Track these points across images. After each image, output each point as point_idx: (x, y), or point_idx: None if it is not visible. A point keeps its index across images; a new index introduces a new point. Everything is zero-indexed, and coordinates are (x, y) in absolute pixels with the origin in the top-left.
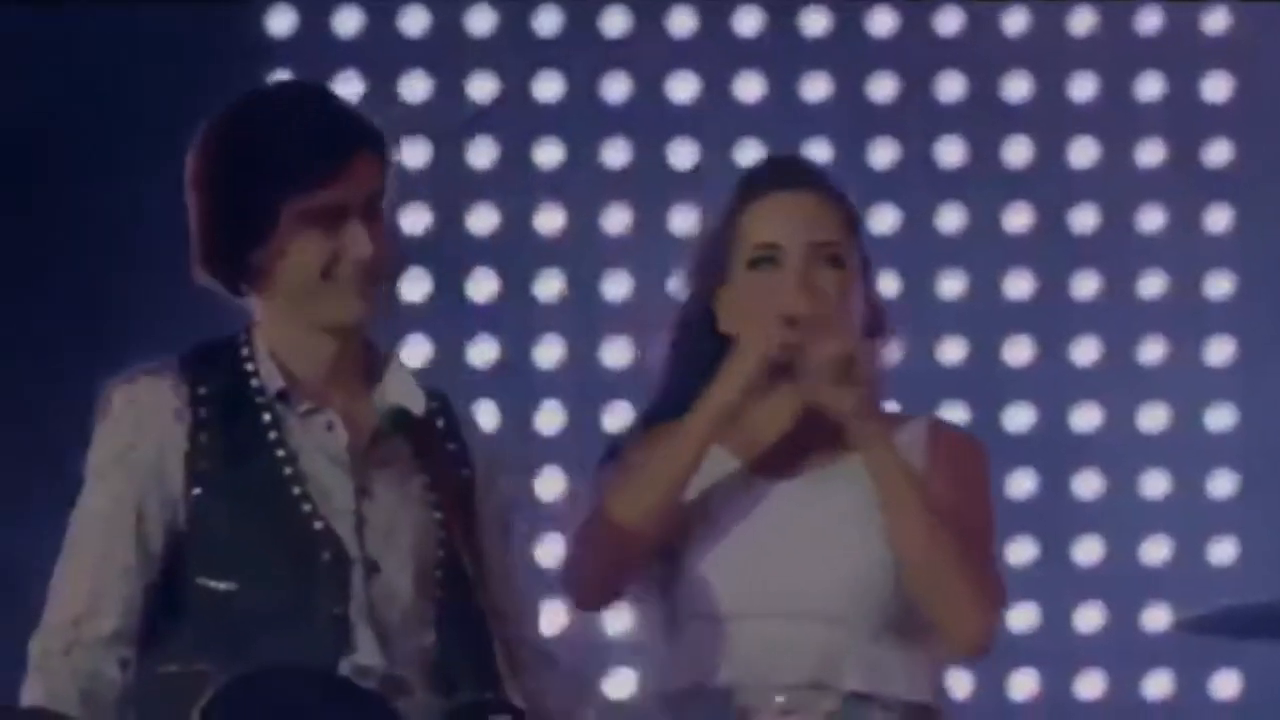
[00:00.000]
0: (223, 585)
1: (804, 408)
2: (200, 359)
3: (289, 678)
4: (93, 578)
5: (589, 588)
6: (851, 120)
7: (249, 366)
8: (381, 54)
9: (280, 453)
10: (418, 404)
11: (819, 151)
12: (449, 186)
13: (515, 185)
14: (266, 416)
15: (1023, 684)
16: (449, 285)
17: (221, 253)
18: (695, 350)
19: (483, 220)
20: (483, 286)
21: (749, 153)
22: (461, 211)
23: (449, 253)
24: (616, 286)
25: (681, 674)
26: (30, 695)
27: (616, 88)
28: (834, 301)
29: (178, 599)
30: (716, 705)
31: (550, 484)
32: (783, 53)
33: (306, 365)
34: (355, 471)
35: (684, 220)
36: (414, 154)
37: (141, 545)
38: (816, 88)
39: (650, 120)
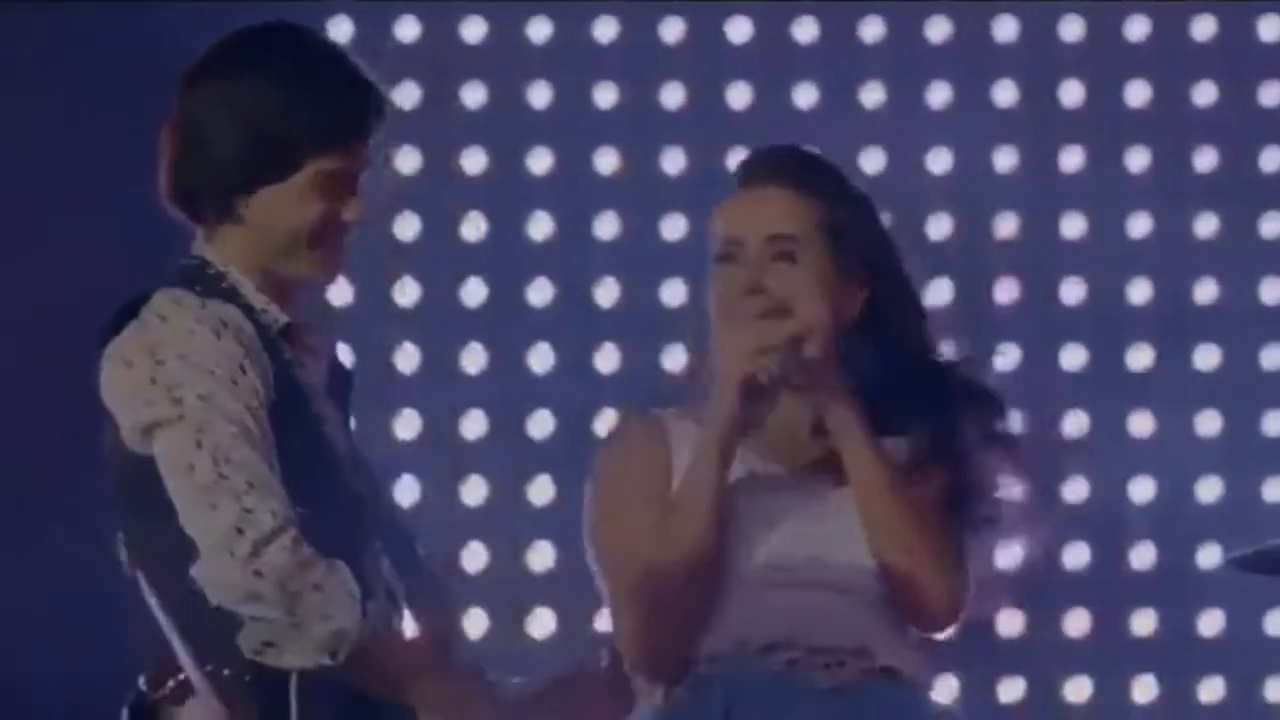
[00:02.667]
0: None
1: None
2: (208, 290)
3: None
4: (264, 474)
5: (675, 651)
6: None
7: (242, 301)
8: (441, 61)
9: (305, 390)
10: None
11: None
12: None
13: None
14: (285, 353)
15: (1076, 621)
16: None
17: (227, 181)
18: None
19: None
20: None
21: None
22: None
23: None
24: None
25: (726, 631)
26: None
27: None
28: (784, 298)
29: None
30: (763, 660)
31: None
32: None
33: (277, 297)
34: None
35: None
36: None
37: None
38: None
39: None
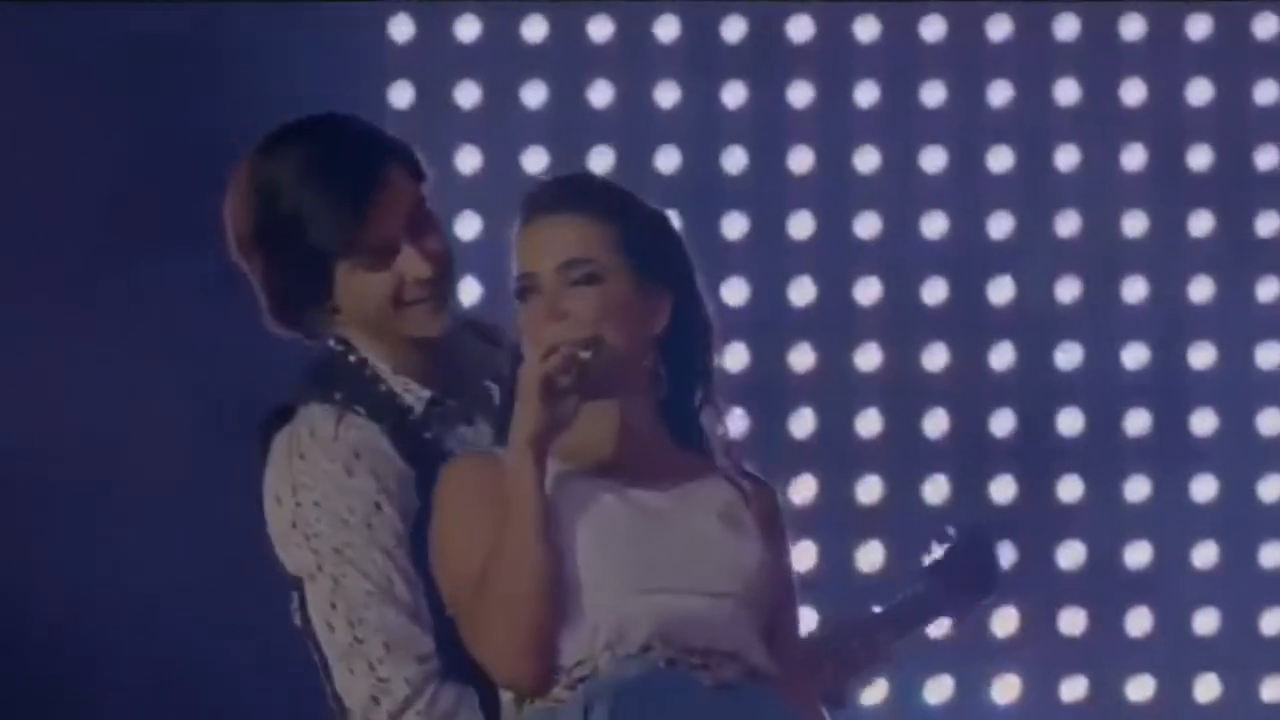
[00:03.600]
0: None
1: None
2: (349, 391)
3: None
4: (400, 631)
5: (534, 665)
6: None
7: (383, 388)
8: (502, 61)
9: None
10: None
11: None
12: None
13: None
14: (429, 435)
15: (1138, 621)
16: None
17: (292, 314)
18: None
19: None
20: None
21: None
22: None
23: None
24: None
25: (595, 638)
26: None
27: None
28: (588, 320)
29: None
30: (640, 661)
31: None
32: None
33: (412, 370)
34: None
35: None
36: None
37: (416, 577)
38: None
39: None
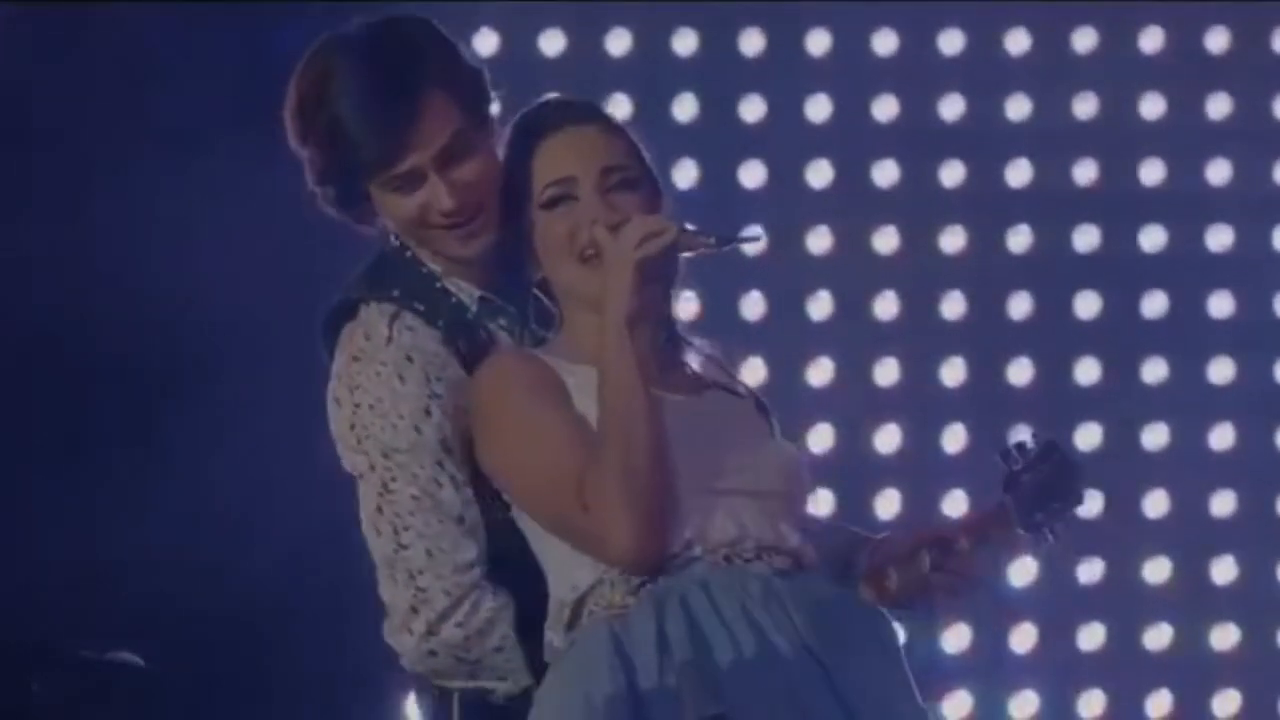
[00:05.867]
0: (506, 514)
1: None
2: (406, 289)
3: None
4: (443, 539)
5: (660, 537)
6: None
7: (439, 285)
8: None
9: None
10: None
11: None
12: None
13: None
14: (484, 333)
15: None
16: None
17: (333, 203)
18: (523, 298)
19: None
20: None
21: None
22: None
23: None
24: None
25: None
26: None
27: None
28: (660, 219)
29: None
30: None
31: None
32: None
33: (463, 273)
34: None
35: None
36: None
37: (466, 480)
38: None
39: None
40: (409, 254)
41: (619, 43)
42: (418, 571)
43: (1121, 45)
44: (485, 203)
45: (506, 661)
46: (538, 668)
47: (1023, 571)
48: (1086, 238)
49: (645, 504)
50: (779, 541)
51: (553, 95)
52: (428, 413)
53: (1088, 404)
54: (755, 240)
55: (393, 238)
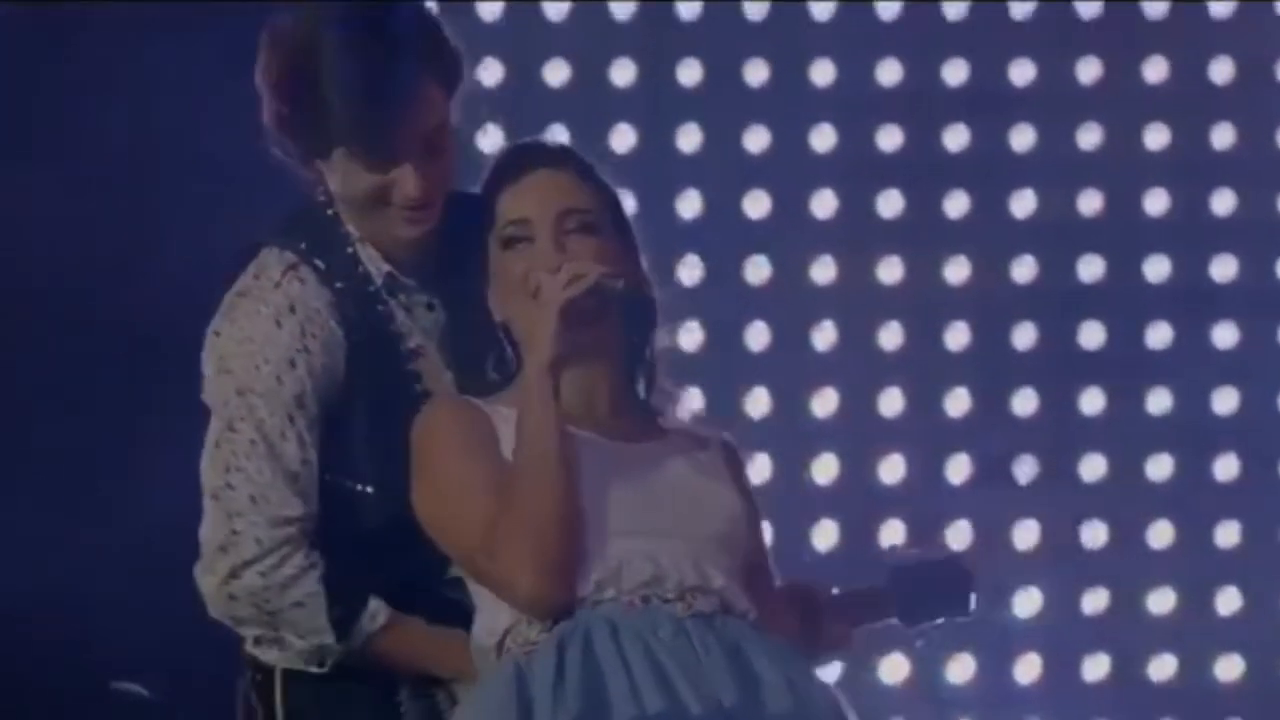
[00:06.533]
0: (361, 488)
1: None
2: (314, 244)
3: None
4: (271, 489)
5: (560, 584)
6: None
7: (350, 250)
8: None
9: (402, 347)
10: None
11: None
12: None
13: None
14: (381, 308)
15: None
16: None
17: (284, 146)
18: (477, 342)
19: None
20: None
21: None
22: None
23: None
24: None
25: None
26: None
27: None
28: (590, 263)
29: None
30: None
31: None
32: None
33: (390, 248)
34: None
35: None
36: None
37: (313, 440)
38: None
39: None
40: (331, 212)
41: (623, 73)
42: (236, 514)
43: (1125, 76)
44: (441, 195)
45: (308, 619)
46: (344, 632)
47: (1028, 603)
48: (1091, 268)
49: (549, 548)
50: (703, 583)
51: (530, 139)
52: (292, 364)
53: (1092, 433)
54: (677, 333)
55: (321, 192)
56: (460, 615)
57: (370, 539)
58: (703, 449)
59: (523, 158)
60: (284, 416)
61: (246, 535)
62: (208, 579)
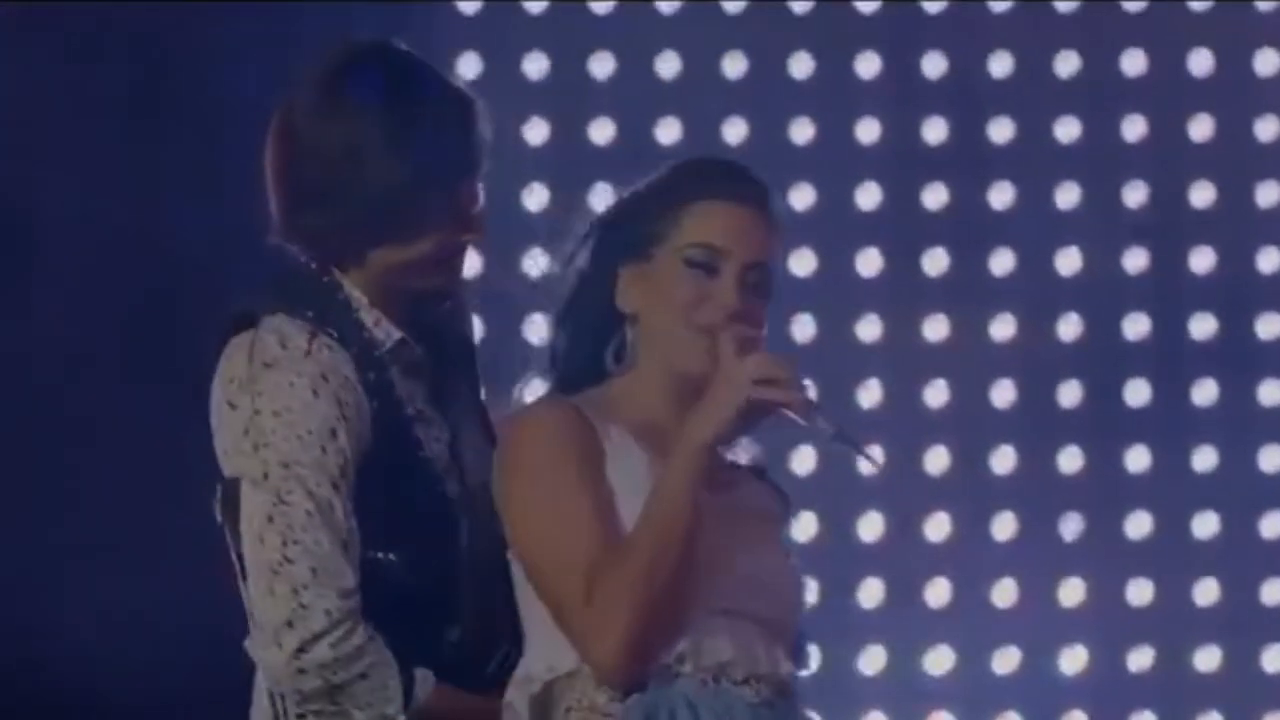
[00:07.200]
0: (383, 555)
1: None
2: (320, 312)
3: None
4: (330, 560)
5: (641, 662)
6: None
7: (355, 316)
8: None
9: (406, 412)
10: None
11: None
12: None
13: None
14: (388, 374)
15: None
16: None
17: (355, 238)
18: (593, 322)
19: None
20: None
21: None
22: None
23: None
24: None
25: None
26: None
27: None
28: (758, 334)
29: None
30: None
31: None
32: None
33: (395, 308)
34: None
35: None
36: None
37: (352, 510)
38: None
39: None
40: (326, 279)
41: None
42: (301, 587)
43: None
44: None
45: (372, 690)
46: (407, 700)
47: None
48: (1136, 326)
49: (649, 624)
50: (771, 669)
51: (738, 164)
52: (334, 434)
53: (1137, 491)
54: (874, 463)
55: (307, 259)
56: (481, 680)
57: (398, 607)
58: (772, 502)
59: (736, 182)
60: (330, 487)
61: (315, 608)
62: (273, 653)
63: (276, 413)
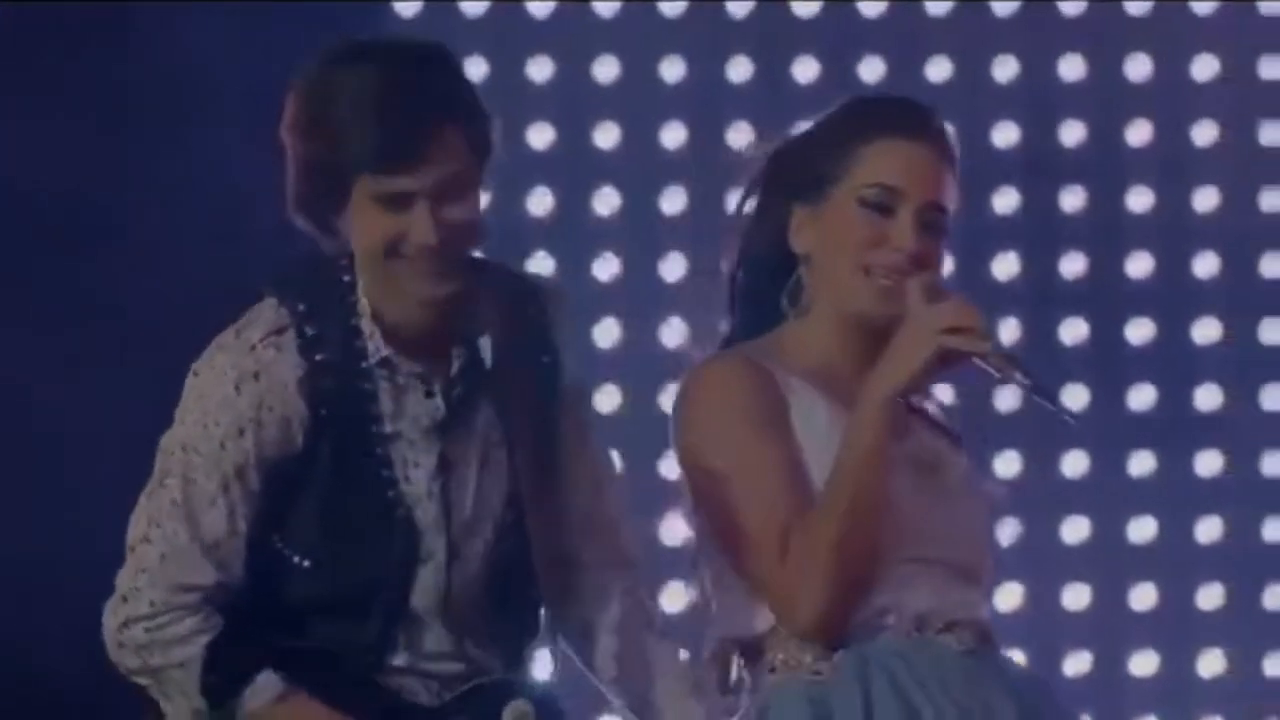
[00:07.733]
0: (300, 560)
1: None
2: (314, 307)
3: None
4: (184, 554)
5: (844, 616)
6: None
7: (352, 322)
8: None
9: (377, 429)
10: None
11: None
12: None
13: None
14: (367, 386)
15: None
16: None
17: (306, 207)
18: (768, 264)
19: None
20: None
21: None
22: None
23: None
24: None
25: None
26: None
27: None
28: (935, 274)
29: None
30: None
31: None
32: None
33: (402, 319)
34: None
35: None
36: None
37: (247, 513)
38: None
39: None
40: (346, 277)
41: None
42: (142, 570)
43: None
44: (461, 251)
45: (182, 680)
46: (217, 700)
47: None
48: (1139, 330)
49: (847, 582)
50: (969, 614)
51: (915, 100)
52: (241, 433)
53: (1142, 496)
54: (1071, 418)
55: (344, 259)
56: (382, 700)
57: (297, 612)
58: (953, 448)
59: (912, 118)
60: (219, 484)
61: (144, 594)
62: (106, 619)
63: (200, 396)
